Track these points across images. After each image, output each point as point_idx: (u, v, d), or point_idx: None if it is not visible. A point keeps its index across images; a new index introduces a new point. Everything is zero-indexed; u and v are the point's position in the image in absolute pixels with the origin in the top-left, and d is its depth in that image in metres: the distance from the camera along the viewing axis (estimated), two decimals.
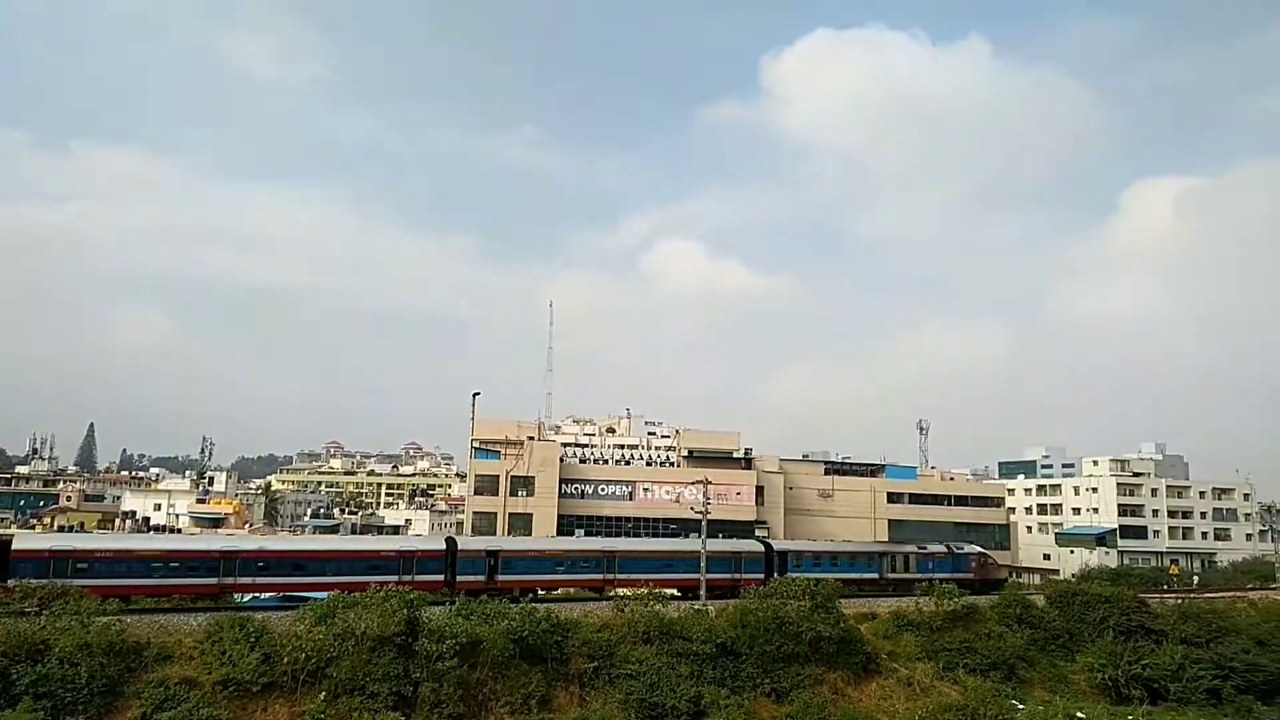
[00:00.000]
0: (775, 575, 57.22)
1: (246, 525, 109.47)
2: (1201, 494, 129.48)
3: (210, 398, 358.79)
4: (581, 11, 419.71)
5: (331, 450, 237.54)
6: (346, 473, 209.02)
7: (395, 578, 45.49)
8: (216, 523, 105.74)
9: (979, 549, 74.52)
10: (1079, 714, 43.65)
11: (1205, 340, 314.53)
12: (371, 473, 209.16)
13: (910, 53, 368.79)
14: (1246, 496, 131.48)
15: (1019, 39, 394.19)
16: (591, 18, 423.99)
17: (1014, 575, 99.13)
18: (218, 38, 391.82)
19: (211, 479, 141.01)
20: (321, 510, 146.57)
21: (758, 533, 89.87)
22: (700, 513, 54.09)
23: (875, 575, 63.48)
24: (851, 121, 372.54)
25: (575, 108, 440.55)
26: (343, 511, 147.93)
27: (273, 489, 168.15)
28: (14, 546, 41.44)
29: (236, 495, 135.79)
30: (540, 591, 52.08)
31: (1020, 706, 43.38)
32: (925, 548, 69.77)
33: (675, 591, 53.49)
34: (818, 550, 65.57)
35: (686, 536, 65.83)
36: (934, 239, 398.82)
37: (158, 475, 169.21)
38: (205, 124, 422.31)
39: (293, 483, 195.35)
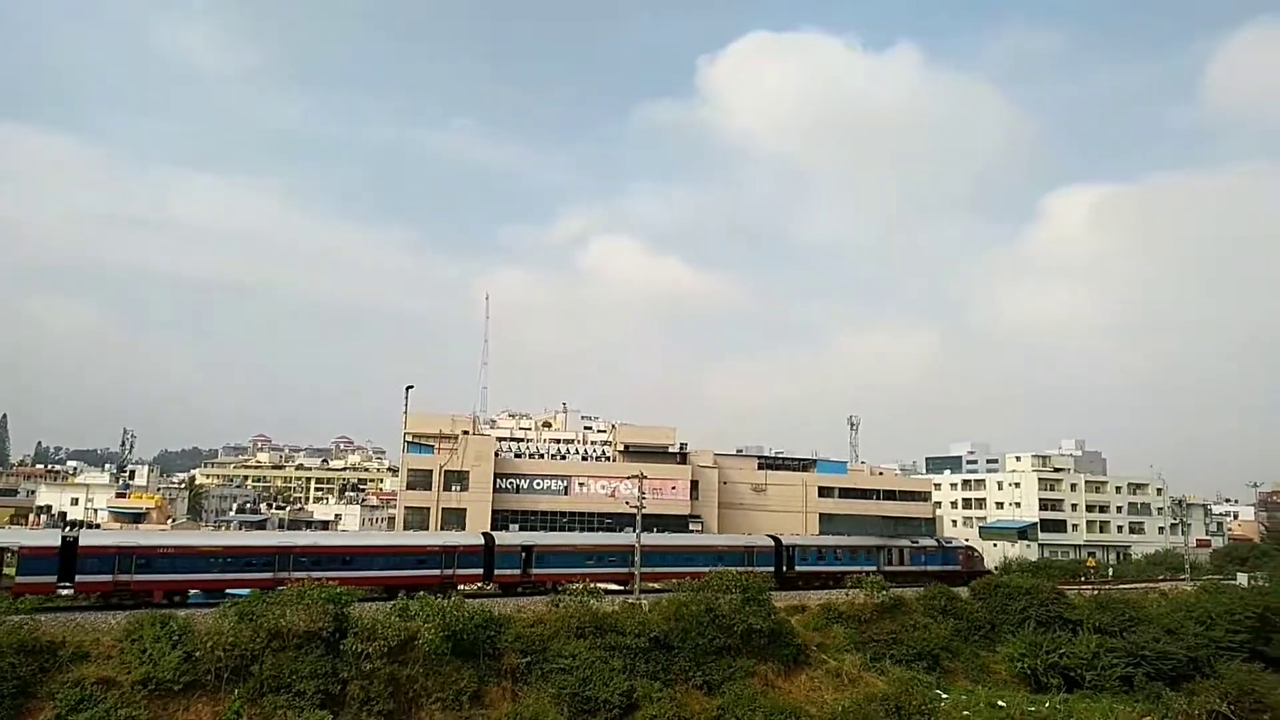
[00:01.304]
0: (785, 569, 62.12)
1: (169, 521, 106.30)
2: (1118, 489, 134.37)
3: (132, 389, 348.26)
4: (516, 7, 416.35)
5: (259, 444, 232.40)
6: (274, 467, 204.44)
7: (439, 571, 49.36)
8: (137, 518, 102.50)
9: (966, 543, 79.31)
10: (999, 702, 44.90)
11: (1121, 342, 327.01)
12: (300, 467, 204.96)
13: (844, 59, 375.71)
14: (1159, 491, 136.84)
15: (948, 49, 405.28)
16: (526, 14, 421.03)
17: None
18: (151, 23, 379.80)
19: (132, 473, 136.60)
20: (248, 505, 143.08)
21: (691, 527, 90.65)
22: (635, 507, 54.34)
23: (874, 568, 65.31)
24: (787, 125, 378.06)
25: (511, 102, 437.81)
26: (270, 506, 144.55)
27: (197, 483, 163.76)
28: (81, 543, 42.63)
29: (159, 490, 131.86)
30: (573, 585, 52.49)
31: (944, 696, 44.45)
32: (918, 542, 73.65)
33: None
34: (822, 545, 69.09)
35: (621, 531, 66.13)
36: (867, 242, 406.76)
37: (75, 469, 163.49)
38: (136, 110, 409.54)
39: (218, 477, 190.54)
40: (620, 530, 69.35)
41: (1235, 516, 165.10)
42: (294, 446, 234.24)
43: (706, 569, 54.96)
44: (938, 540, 77.96)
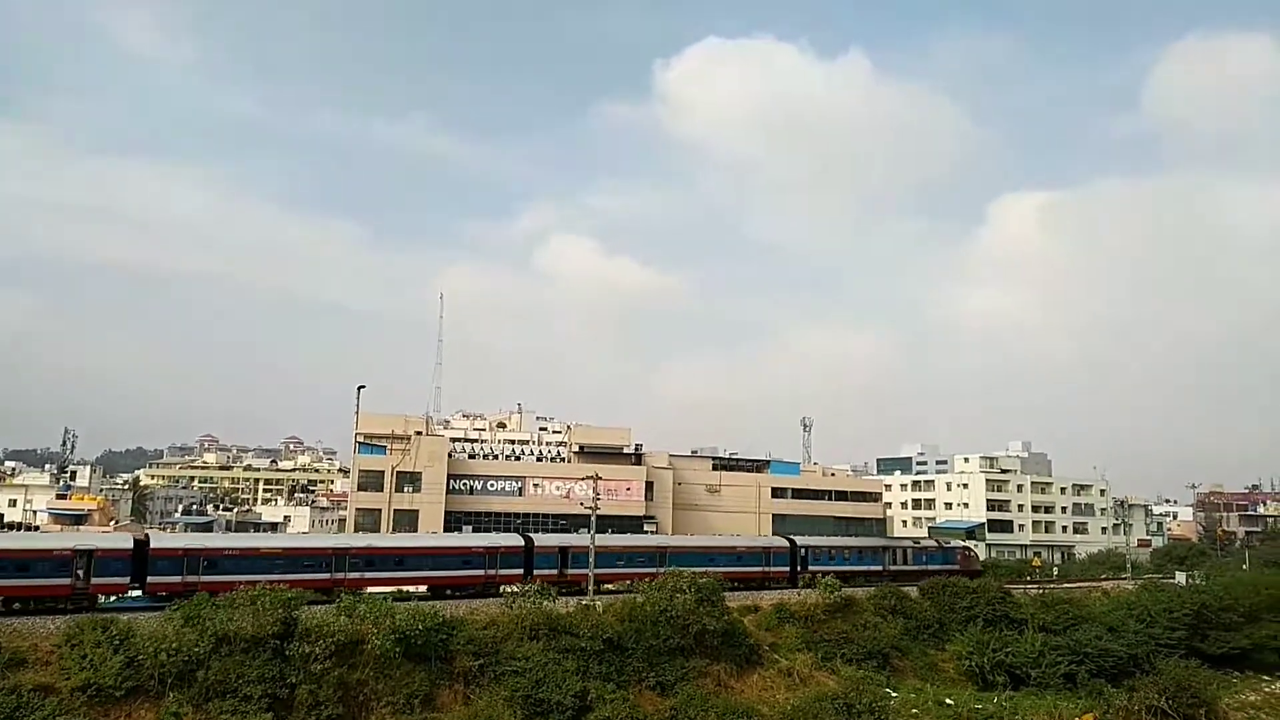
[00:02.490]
0: (799, 568, 64.03)
1: (112, 522, 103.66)
2: (1063, 490, 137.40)
3: (74, 387, 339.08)
4: (470, 4, 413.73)
5: (206, 444, 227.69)
6: (222, 467, 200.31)
7: (483, 571, 51.37)
8: (79, 520, 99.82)
9: (964, 544, 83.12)
10: (947, 700, 45.74)
11: (1065, 344, 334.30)
12: (248, 467, 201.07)
13: (797, 64, 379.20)
14: (1102, 492, 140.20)
15: (897, 56, 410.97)
16: (482, 8, 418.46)
17: None
18: (91, 6, 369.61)
19: (74, 473, 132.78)
20: (194, 506, 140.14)
21: (646, 528, 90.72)
22: (590, 509, 54.36)
23: (879, 568, 68.68)
24: (741, 128, 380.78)
25: (465, 97, 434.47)
26: (217, 508, 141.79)
27: (141, 484, 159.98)
28: (152, 545, 44.20)
29: (101, 491, 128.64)
30: (607, 584, 54.85)
31: (893, 694, 45.12)
32: (920, 543, 77.94)
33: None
34: (834, 546, 71.09)
35: (576, 532, 66.01)
36: (819, 243, 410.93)
37: (13, 469, 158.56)
38: (75, 96, 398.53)
39: (163, 478, 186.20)
40: (575, 531, 69.28)
41: (1175, 517, 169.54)
42: (242, 447, 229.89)
43: (731, 569, 59.52)
44: (937, 541, 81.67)
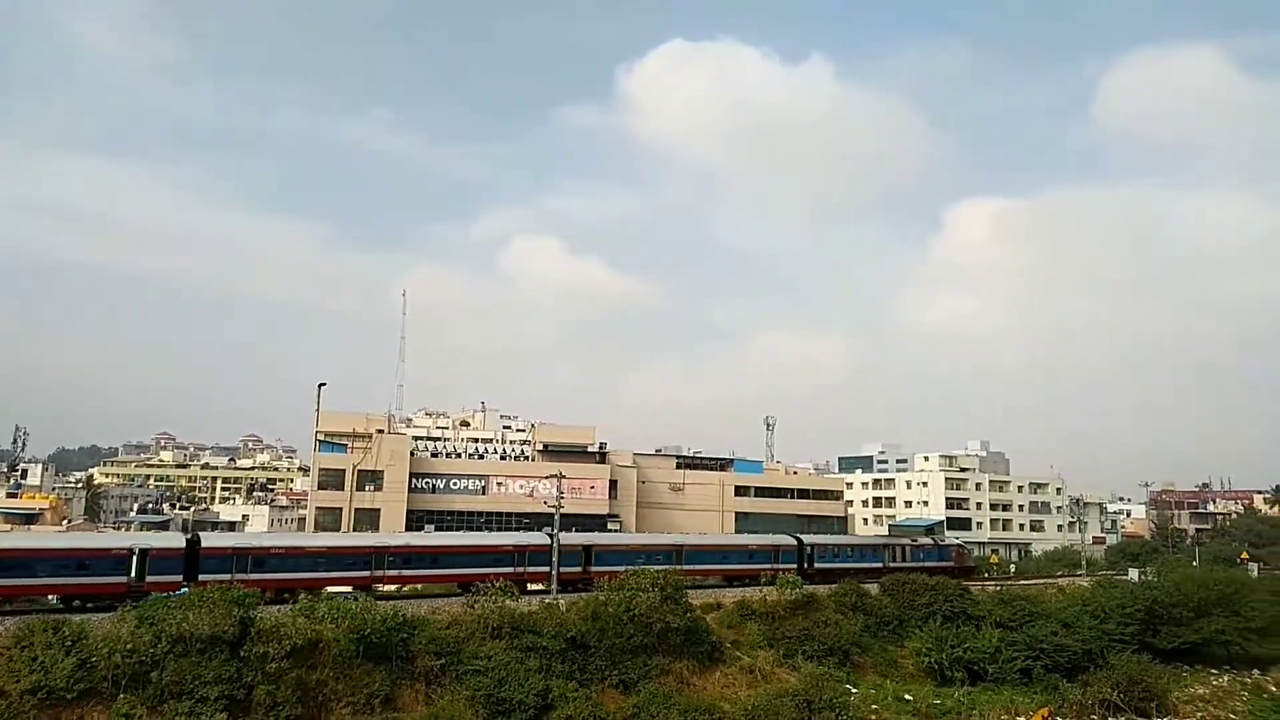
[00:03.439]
0: (806, 565, 66.64)
1: (64, 522, 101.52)
2: (1020, 489, 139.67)
3: (25, 383, 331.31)
4: (432, 7, 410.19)
5: (162, 441, 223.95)
6: (178, 465, 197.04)
7: (513, 569, 52.16)
8: (29, 519, 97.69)
9: (958, 542, 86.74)
10: (906, 696, 46.27)
11: (1022, 348, 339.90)
12: (206, 466, 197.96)
13: (761, 69, 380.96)
14: (1058, 491, 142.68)
15: (858, 62, 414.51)
16: (442, 8, 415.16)
17: None
18: (52, 6, 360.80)
19: (24, 472, 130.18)
20: (150, 505, 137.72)
21: (610, 526, 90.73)
22: (554, 507, 54.29)
23: (880, 565, 70.65)
24: (705, 132, 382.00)
25: (430, 96, 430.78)
26: (174, 507, 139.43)
27: (95, 482, 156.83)
28: (203, 545, 45.76)
29: (53, 490, 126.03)
30: None
31: (853, 691, 45.54)
32: (917, 541, 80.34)
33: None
34: (838, 544, 75.80)
35: (539, 530, 65.95)
36: (782, 245, 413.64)
37: None
38: (32, 92, 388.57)
39: (118, 476, 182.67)
40: (538, 530, 69.16)
41: (1128, 514, 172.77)
42: (199, 445, 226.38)
43: (742, 565, 63.12)
44: (934, 539, 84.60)
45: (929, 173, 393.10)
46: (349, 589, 47.08)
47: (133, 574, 42.51)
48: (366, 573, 48.57)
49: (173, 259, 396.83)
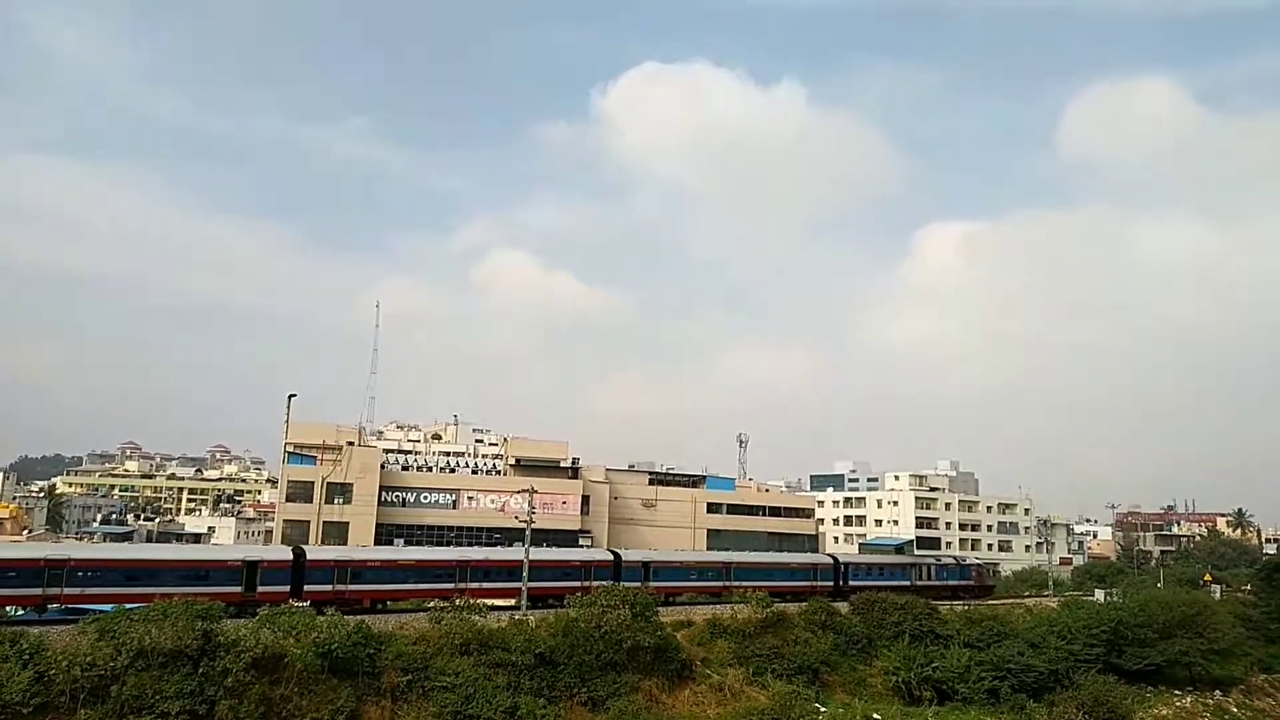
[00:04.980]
0: (841, 583, 69.66)
1: (25, 531, 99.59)
2: (988, 508, 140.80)
3: None
4: (412, 12, 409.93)
5: (128, 451, 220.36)
6: (144, 476, 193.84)
7: (579, 583, 55.16)
8: None
9: (978, 562, 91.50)
10: (875, 715, 46.31)
11: (989, 370, 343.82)
12: (172, 476, 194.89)
13: (734, 91, 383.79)
14: (1027, 511, 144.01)
15: (830, 85, 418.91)
16: (420, 22, 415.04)
17: None
18: (18, 6, 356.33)
19: None
20: (114, 516, 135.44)
21: (581, 542, 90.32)
22: (525, 522, 54.05)
23: (908, 583, 73.52)
24: (679, 150, 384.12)
25: (406, 108, 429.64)
26: (138, 518, 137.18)
27: (58, 492, 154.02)
28: (309, 557, 49.27)
29: (15, 498, 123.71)
30: (678, 596, 61.09)
31: (822, 709, 45.56)
32: (941, 560, 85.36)
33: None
34: (869, 563, 78.84)
35: (510, 545, 65.69)
36: (754, 264, 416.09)
37: None
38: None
39: (82, 486, 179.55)
40: (509, 545, 68.82)
41: (1095, 536, 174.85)
42: (166, 455, 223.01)
43: (785, 583, 65.87)
44: (955, 559, 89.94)
45: (897, 196, 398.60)
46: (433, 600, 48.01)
47: (246, 585, 45.44)
48: (451, 584, 50.78)
49: (140, 264, 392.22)
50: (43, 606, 41.06)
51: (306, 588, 46.96)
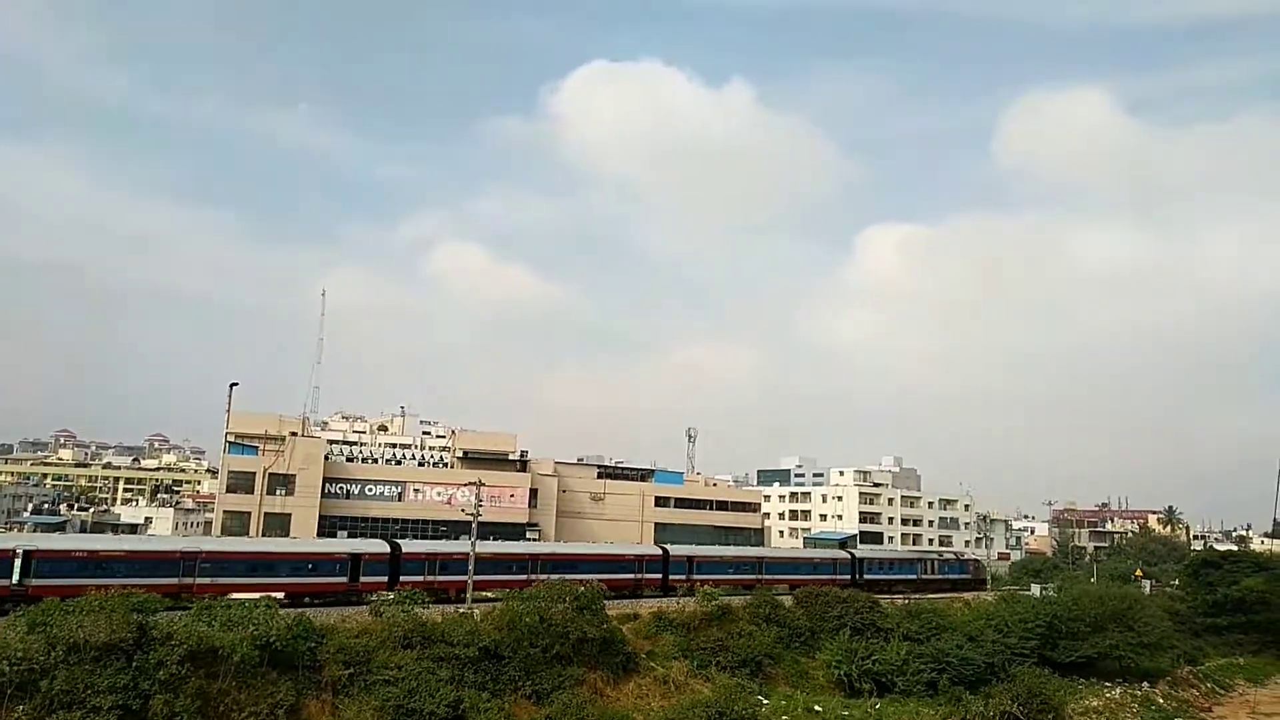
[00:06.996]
0: (858, 576, 75.37)
1: None
2: (930, 504, 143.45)
3: None
4: (358, 11, 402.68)
5: (61, 439, 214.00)
6: (78, 465, 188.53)
7: (632, 576, 62.11)
8: None
9: (974, 557, 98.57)
10: (816, 707, 47.00)
11: (930, 367, 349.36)
12: (108, 465, 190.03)
13: (683, 90, 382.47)
14: (967, 507, 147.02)
15: (777, 87, 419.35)
16: (373, 7, 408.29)
17: None
18: None
19: None
20: (45, 506, 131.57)
21: (529, 535, 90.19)
22: (472, 515, 53.79)
23: (914, 577, 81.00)
24: (629, 147, 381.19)
25: (355, 95, 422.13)
26: (71, 508, 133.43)
27: None
28: (404, 550, 53.53)
29: None
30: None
31: (765, 701, 46.06)
32: (944, 555, 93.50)
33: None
34: (883, 558, 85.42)
35: (457, 539, 65.27)
36: (702, 260, 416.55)
37: None
38: None
39: (12, 474, 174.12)
40: (456, 538, 68.41)
41: (1032, 532, 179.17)
42: (102, 444, 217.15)
43: (810, 576, 70.75)
44: (955, 554, 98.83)
45: (840, 197, 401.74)
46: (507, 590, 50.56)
47: (349, 575, 49.46)
48: (524, 576, 54.00)
49: (73, 248, 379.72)
50: (178, 595, 42.84)
51: (403, 578, 50.67)
